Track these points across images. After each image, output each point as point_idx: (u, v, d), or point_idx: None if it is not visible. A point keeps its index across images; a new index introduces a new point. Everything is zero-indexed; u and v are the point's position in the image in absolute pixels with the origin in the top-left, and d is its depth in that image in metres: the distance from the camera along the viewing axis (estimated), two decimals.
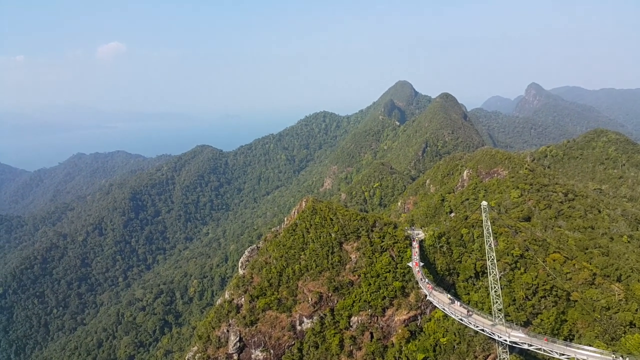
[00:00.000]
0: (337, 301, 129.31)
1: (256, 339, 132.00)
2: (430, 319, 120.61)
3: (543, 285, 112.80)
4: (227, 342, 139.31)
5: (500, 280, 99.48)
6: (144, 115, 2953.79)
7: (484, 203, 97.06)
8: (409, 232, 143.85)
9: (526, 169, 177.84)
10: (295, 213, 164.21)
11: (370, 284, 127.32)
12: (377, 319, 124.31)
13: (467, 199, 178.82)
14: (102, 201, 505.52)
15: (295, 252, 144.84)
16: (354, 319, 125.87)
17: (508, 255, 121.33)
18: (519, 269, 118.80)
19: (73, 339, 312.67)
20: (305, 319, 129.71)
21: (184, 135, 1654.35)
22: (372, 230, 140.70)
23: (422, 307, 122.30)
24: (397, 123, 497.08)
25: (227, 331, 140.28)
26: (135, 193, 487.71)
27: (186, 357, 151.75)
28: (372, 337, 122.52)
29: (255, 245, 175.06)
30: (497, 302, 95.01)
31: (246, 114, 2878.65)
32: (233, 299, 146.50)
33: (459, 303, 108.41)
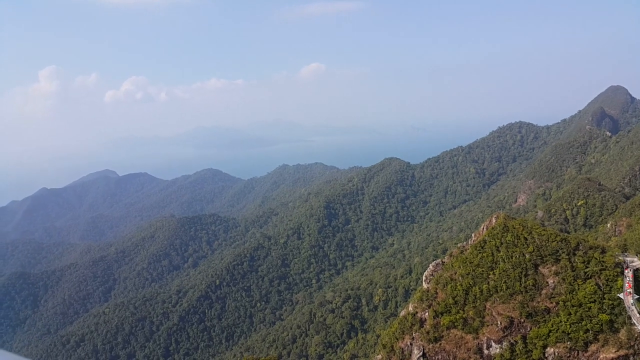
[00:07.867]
0: (530, 328, 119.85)
1: (440, 357, 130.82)
2: None
3: None
4: (410, 355, 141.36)
5: None
6: (338, 129, 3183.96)
7: None
8: (620, 258, 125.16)
9: None
10: (484, 229, 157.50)
11: (570, 314, 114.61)
12: (578, 354, 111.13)
13: None
14: (301, 208, 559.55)
15: (483, 270, 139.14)
16: (549, 350, 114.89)
17: None
18: None
19: (272, 331, 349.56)
20: (493, 344, 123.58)
21: (373, 148, 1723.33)
22: (574, 254, 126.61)
23: (636, 347, 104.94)
24: (609, 133, 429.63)
25: (411, 344, 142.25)
26: (329, 202, 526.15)
27: None
28: None
29: (440, 259, 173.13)
30: None
31: (432, 126, 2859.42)
32: (417, 312, 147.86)
33: None
